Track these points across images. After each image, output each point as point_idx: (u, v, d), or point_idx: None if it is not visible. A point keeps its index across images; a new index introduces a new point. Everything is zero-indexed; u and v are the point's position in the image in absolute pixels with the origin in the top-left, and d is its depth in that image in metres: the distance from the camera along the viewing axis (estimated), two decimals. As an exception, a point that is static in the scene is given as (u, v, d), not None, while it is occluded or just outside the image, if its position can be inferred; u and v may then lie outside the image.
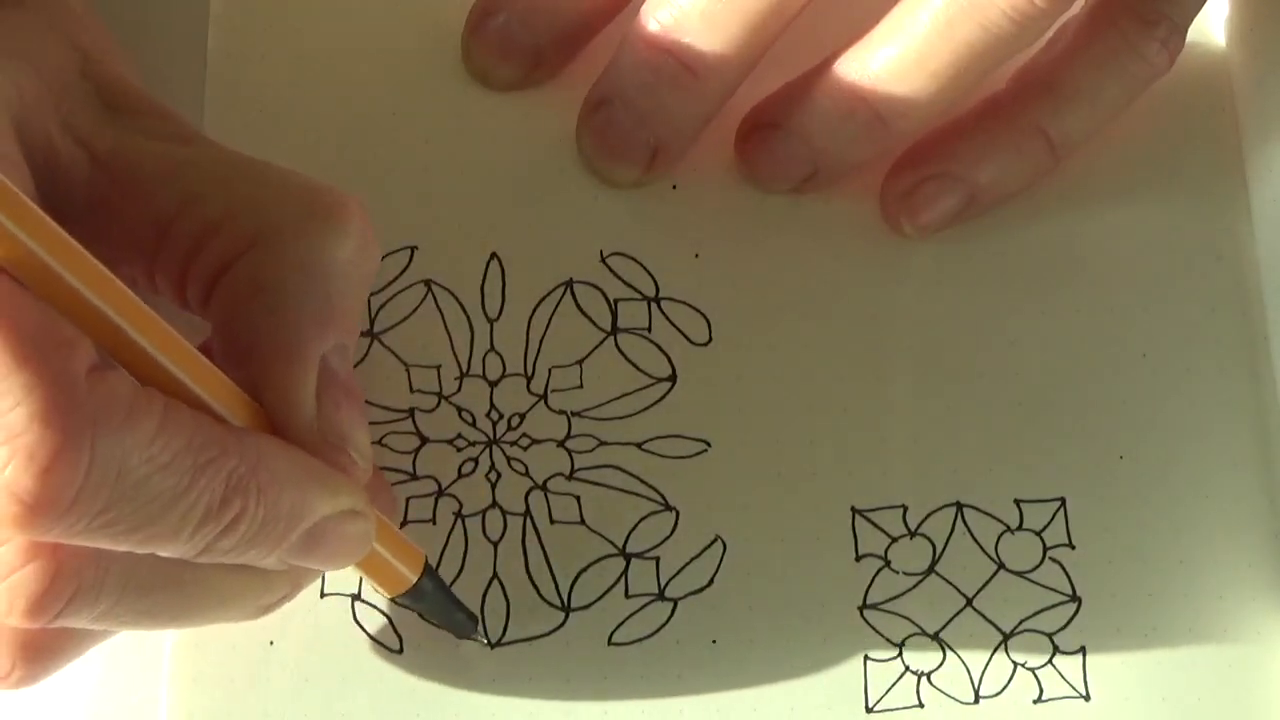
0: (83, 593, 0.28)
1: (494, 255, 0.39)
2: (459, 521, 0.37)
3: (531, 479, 0.37)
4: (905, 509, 0.38)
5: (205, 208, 0.30)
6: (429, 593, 0.34)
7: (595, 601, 0.37)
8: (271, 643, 0.36)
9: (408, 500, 0.37)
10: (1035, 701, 0.37)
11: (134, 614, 0.29)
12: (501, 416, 0.38)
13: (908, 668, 0.37)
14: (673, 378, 0.38)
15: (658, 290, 0.39)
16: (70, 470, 0.24)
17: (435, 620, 0.36)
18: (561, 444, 0.38)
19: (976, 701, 0.37)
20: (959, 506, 0.38)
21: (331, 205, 0.31)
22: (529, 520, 0.37)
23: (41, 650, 0.30)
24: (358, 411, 0.31)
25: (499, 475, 0.37)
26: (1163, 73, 0.38)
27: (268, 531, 0.28)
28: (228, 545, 0.27)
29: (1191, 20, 0.39)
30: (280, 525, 0.28)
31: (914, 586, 0.37)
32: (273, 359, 0.30)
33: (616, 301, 0.39)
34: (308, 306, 0.30)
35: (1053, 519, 0.38)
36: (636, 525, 0.37)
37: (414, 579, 0.33)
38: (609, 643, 0.36)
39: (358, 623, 0.36)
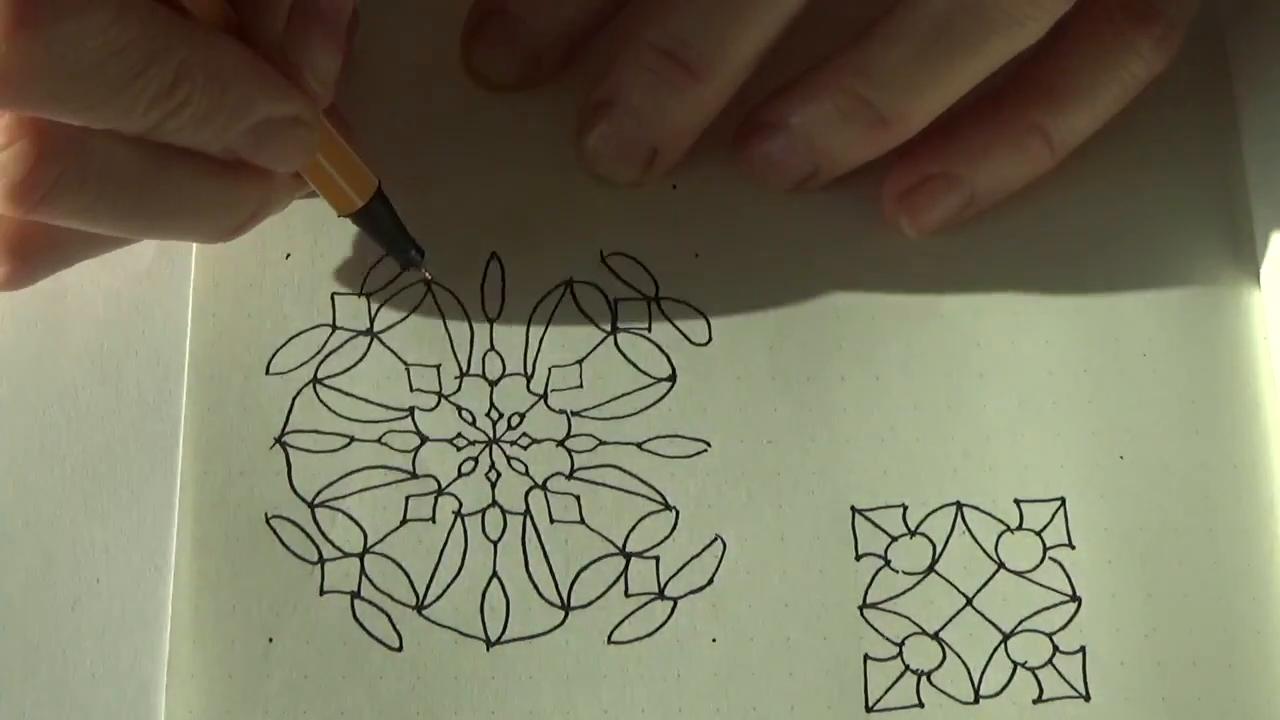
0: (66, 179, 0.30)
1: (494, 255, 0.39)
2: (459, 521, 0.37)
3: (531, 478, 0.37)
4: (905, 509, 0.38)
5: None
6: (380, 217, 0.36)
7: (595, 600, 0.37)
8: (271, 640, 0.36)
9: (407, 499, 0.37)
10: (1035, 701, 0.37)
11: (113, 212, 0.31)
12: (501, 416, 0.38)
13: (908, 667, 0.37)
14: (672, 378, 0.38)
15: (657, 290, 0.39)
16: (29, 41, 0.26)
17: (384, 247, 0.37)
18: (561, 444, 0.38)
19: (976, 701, 0.37)
20: (959, 506, 0.38)
21: None
22: (529, 520, 0.37)
23: (29, 248, 0.33)
24: (329, 40, 0.33)
25: (499, 475, 0.37)
26: (1160, 70, 0.38)
27: (213, 119, 0.31)
28: (176, 125, 0.30)
29: (1189, 18, 0.39)
30: (224, 115, 0.31)
31: (914, 586, 0.37)
32: None
33: (616, 301, 0.39)
34: None
35: (1053, 519, 0.38)
36: (636, 525, 0.37)
37: (361, 202, 0.36)
38: (608, 641, 0.36)
39: (357, 621, 0.36)
